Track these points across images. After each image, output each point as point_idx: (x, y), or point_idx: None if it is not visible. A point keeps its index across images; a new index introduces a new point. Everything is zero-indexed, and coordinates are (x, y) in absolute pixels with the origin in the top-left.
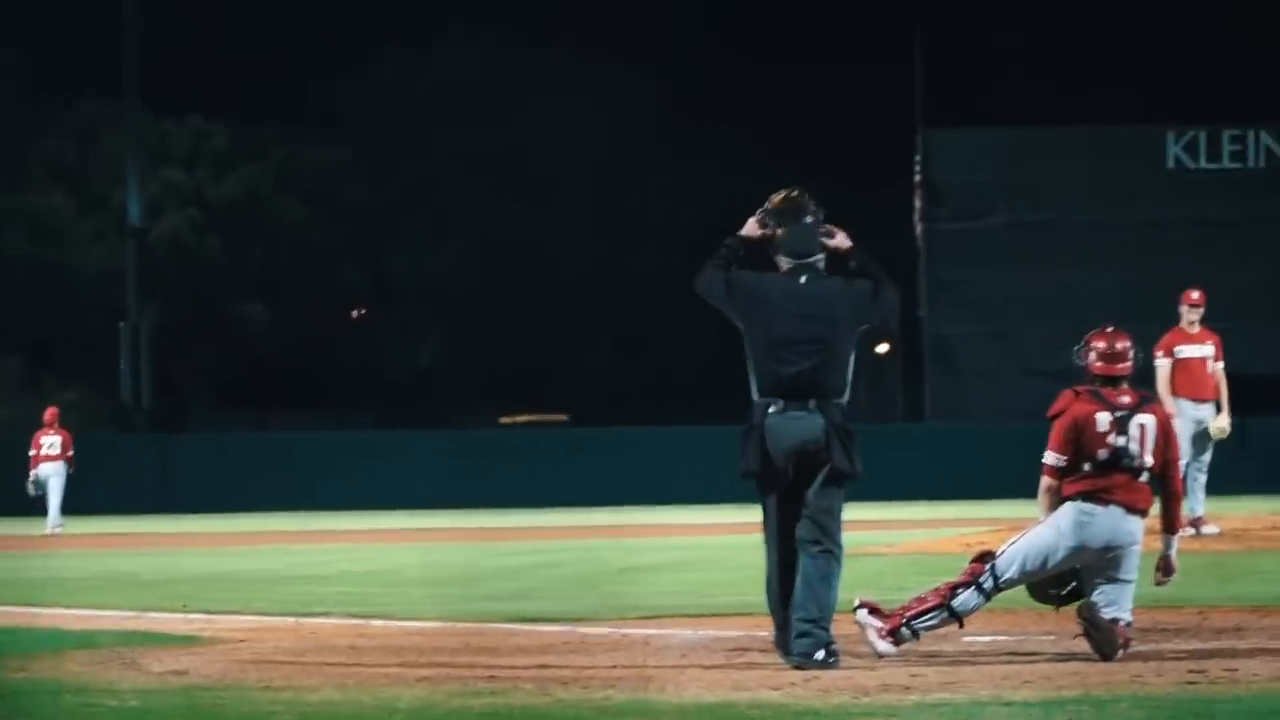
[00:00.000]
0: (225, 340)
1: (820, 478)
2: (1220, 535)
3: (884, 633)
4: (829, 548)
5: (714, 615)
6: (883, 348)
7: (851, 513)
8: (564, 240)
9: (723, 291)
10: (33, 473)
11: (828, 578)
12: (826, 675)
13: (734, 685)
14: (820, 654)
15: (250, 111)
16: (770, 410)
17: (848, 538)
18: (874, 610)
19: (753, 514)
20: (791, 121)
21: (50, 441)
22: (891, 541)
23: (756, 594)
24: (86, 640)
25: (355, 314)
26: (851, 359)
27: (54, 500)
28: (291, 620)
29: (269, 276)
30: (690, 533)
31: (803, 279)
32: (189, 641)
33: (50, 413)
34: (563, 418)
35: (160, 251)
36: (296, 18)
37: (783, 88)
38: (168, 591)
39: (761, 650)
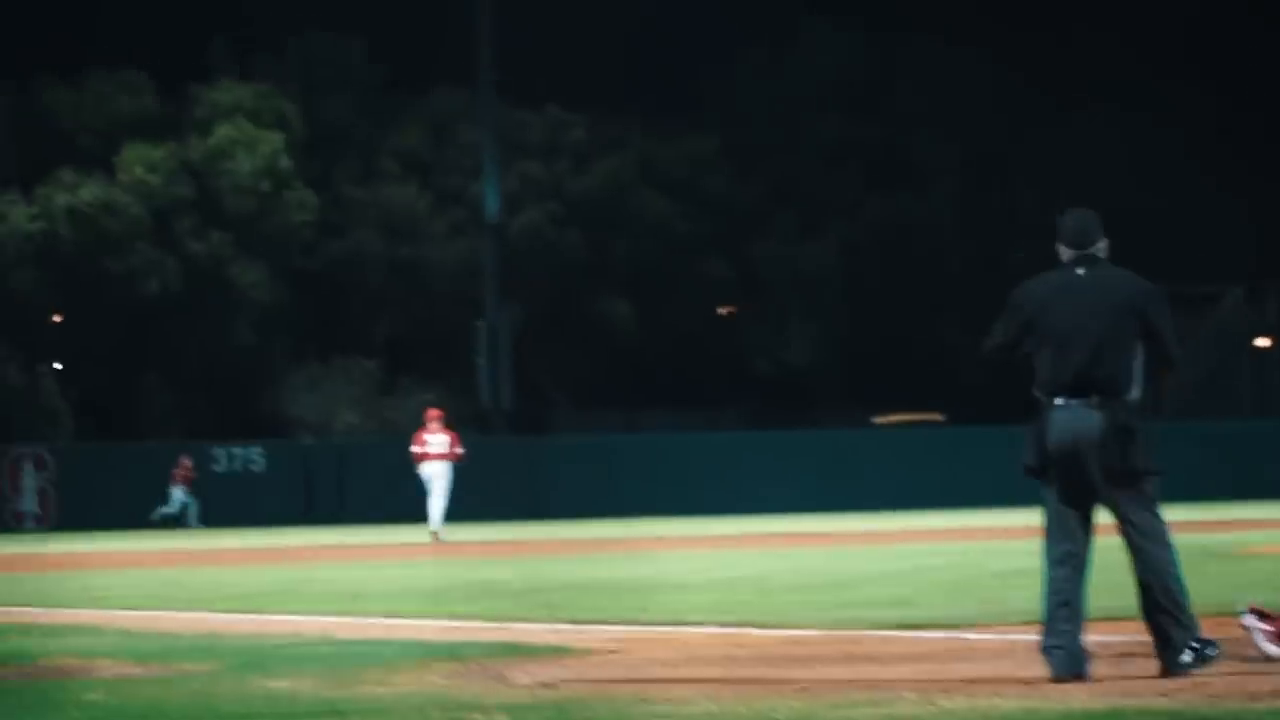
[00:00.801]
0: (588, 338)
1: (1114, 480)
2: None
3: (1273, 636)
4: (1153, 542)
5: (1099, 620)
6: (1263, 341)
7: (1237, 511)
8: (935, 233)
9: (1003, 331)
10: (419, 468)
11: (1164, 570)
12: (1218, 681)
13: (1122, 692)
14: (1186, 656)
15: (610, 102)
16: (1055, 404)
17: (1232, 539)
18: (1262, 615)
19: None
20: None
21: (438, 440)
22: None
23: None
24: (451, 652)
25: (723, 310)
26: (1139, 353)
27: (438, 502)
28: (663, 630)
29: (632, 271)
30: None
31: (1080, 270)
32: (558, 653)
33: (434, 412)
34: (938, 417)
35: (518, 246)
36: (658, 6)
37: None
38: (534, 600)
39: (1148, 655)
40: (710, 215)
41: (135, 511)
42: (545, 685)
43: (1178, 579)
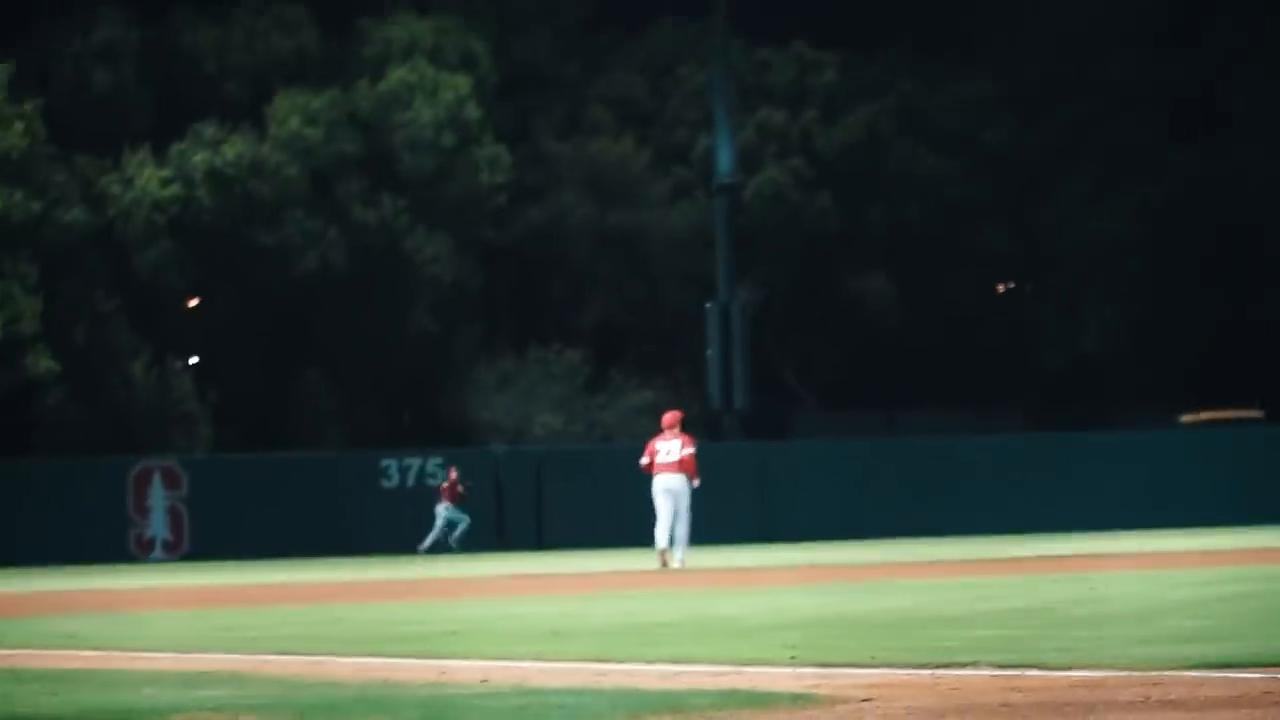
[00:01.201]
0: (839, 323)
1: None
2: None
3: None
4: None
5: None
6: None
7: None
8: (1254, 195)
9: None
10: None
11: None
12: None
13: None
14: None
15: (868, 37)
16: None
17: None
18: None
19: None
20: None
21: (668, 448)
22: None
23: None
24: (671, 703)
25: (1001, 287)
26: None
27: (675, 523)
28: (927, 673)
29: (894, 241)
30: None
31: None
32: (802, 701)
33: (671, 416)
34: (1257, 415)
35: (756, 213)
36: None
37: None
38: (771, 639)
39: None
40: (987, 174)
41: (284, 535)
42: None
43: None
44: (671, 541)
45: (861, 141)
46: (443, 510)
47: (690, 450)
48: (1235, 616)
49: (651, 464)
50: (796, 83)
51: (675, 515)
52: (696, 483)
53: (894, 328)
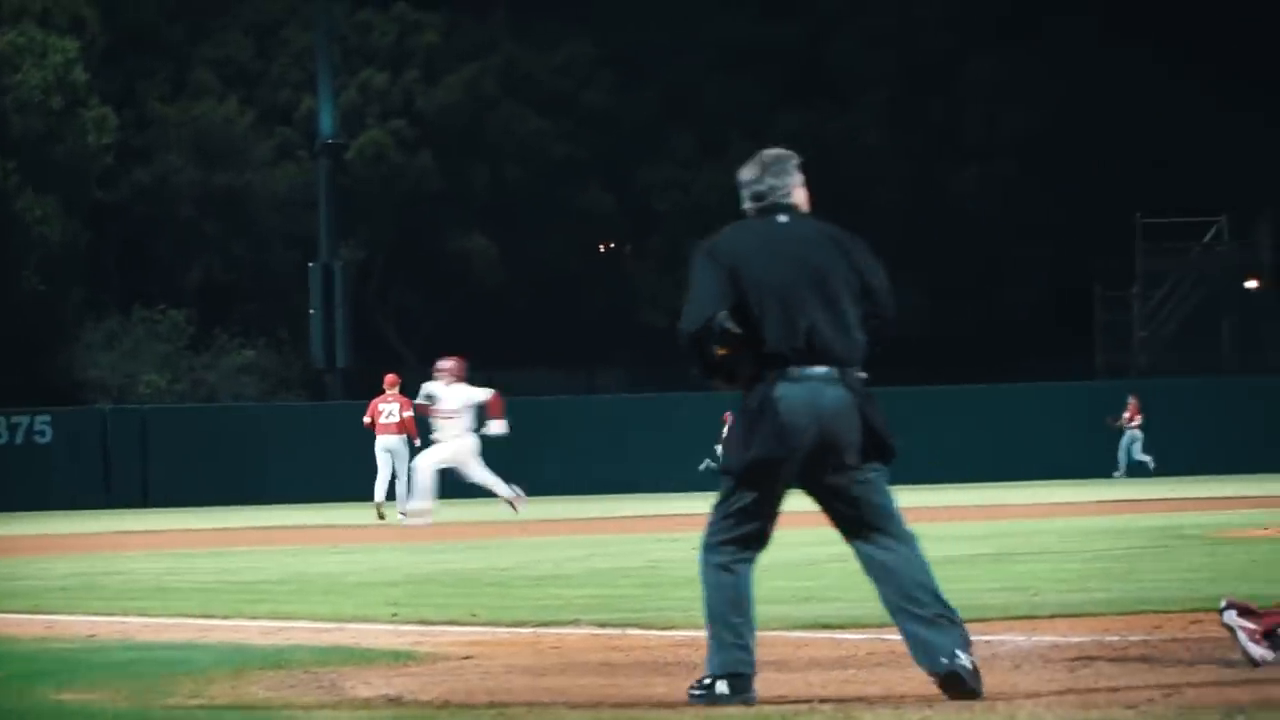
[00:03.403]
0: (441, 282)
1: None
2: None
3: (1257, 635)
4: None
5: (1049, 617)
6: (1252, 283)
7: (1210, 488)
8: (864, 154)
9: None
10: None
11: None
12: (1192, 690)
13: (1080, 703)
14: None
15: None
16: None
17: (1205, 520)
18: (1244, 610)
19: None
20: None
21: (389, 410)
22: (1265, 523)
23: (1099, 589)
24: (275, 659)
25: (603, 247)
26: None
27: (383, 479)
28: (528, 631)
29: (496, 202)
30: (951, 517)
31: (781, 219)
32: (402, 659)
33: (392, 378)
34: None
35: (359, 173)
36: None
37: None
38: (373, 596)
39: (1111, 659)
40: (590, 135)
41: None
42: (387, 698)
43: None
44: (394, 497)
45: (462, 102)
46: None
47: (410, 413)
48: (843, 577)
49: (374, 423)
50: (398, 44)
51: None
52: (418, 442)
53: (496, 287)
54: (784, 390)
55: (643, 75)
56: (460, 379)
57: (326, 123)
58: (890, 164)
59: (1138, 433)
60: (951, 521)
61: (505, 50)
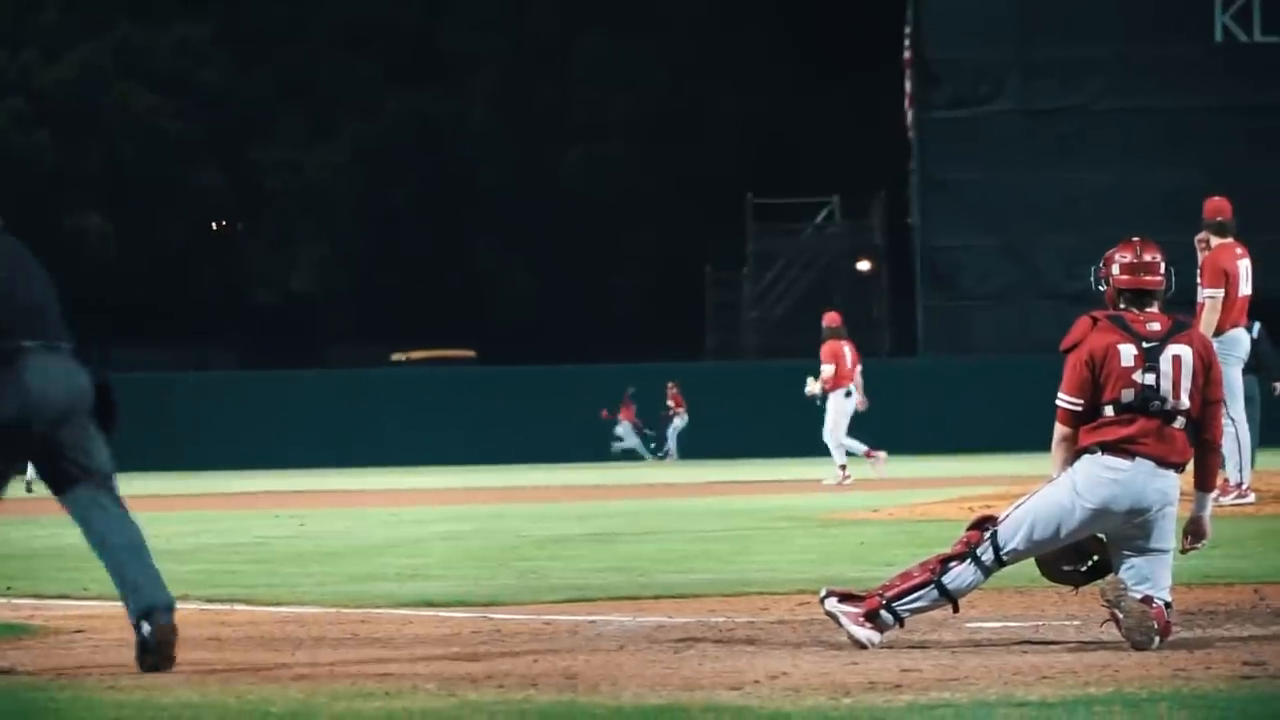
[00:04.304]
0: (54, 258)
1: None
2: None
3: (860, 618)
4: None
5: (655, 598)
6: (864, 265)
7: (818, 470)
8: (472, 134)
9: None
10: None
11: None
12: (798, 672)
13: (684, 683)
14: None
15: None
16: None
17: (810, 501)
18: (845, 596)
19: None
20: None
21: None
22: (875, 505)
23: (706, 570)
24: None
25: (215, 226)
26: None
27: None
28: None
29: (111, 180)
30: (610, 495)
31: None
32: (15, 632)
33: None
34: (469, 354)
35: None
36: None
37: None
38: None
39: (717, 640)
40: (203, 114)
41: None
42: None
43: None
44: None
45: (78, 80)
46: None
47: None
48: (451, 556)
49: None
50: (18, 22)
51: None
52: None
53: (110, 265)
54: None
55: (257, 56)
56: None
57: None
58: (498, 145)
59: (682, 419)
60: (552, 502)
61: (123, 29)
